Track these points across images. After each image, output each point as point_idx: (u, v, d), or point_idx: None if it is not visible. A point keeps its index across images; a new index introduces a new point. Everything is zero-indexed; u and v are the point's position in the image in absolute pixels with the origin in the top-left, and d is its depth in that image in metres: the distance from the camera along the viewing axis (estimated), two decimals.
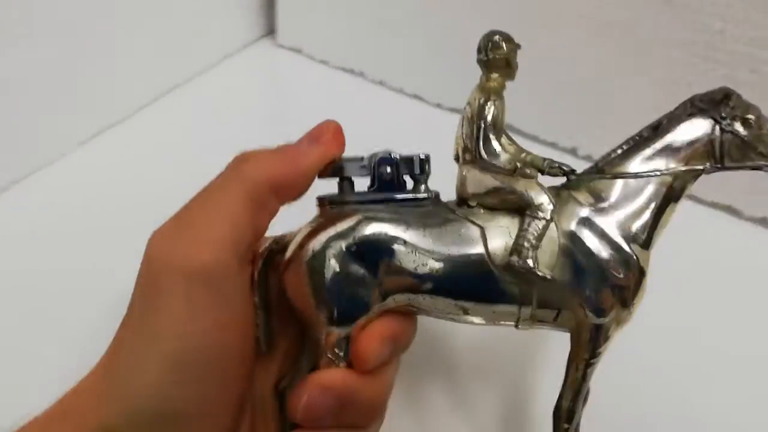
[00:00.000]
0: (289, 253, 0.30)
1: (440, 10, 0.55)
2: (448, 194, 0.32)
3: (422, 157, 0.31)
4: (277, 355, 0.32)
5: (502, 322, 0.30)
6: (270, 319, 0.30)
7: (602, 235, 0.29)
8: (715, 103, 0.30)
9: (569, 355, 0.31)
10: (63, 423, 0.26)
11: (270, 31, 0.67)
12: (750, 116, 0.30)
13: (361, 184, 0.32)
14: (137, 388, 0.26)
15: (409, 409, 0.39)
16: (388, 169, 0.31)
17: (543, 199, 0.29)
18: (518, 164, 0.30)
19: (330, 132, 0.31)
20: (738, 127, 0.30)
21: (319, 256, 0.29)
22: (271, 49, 0.66)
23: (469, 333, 0.35)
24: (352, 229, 0.29)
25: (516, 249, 0.29)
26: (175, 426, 0.26)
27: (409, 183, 0.31)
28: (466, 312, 0.30)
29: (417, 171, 0.31)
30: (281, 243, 0.31)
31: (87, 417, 0.26)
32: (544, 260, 0.29)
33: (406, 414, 0.39)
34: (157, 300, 0.26)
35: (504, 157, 0.30)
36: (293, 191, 0.30)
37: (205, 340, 0.26)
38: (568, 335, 0.31)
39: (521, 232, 0.29)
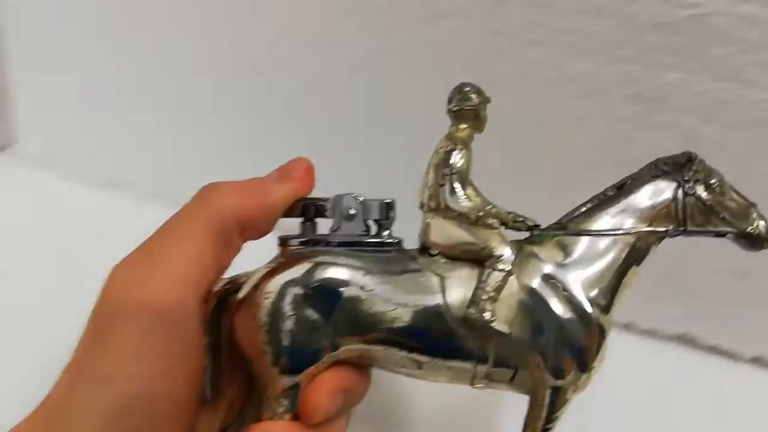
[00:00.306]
0: (242, 294, 0.29)
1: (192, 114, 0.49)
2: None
3: (387, 201, 0.30)
4: (222, 404, 0.30)
5: (457, 381, 0.30)
6: (218, 364, 0.29)
7: (564, 294, 0.29)
8: (679, 166, 0.30)
9: (525, 419, 0.30)
10: None
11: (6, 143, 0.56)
12: (713, 181, 0.30)
13: (324, 225, 0.31)
14: None
15: None
16: (352, 212, 0.30)
17: (504, 251, 0.29)
18: (480, 214, 0.29)
19: (302, 169, 0.30)
20: (701, 191, 0.30)
21: (273, 298, 0.28)
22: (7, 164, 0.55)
23: (430, 392, 0.34)
24: (310, 272, 0.28)
25: (473, 301, 0.28)
26: None
27: (373, 228, 0.31)
28: (420, 366, 0.29)
29: (380, 216, 0.30)
30: (236, 284, 0.30)
31: None
32: (503, 315, 0.28)
33: None
34: (110, 341, 0.25)
35: (468, 206, 0.29)
36: (259, 228, 0.29)
37: (154, 387, 0.25)
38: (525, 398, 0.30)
39: (480, 283, 0.28)
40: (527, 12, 0.40)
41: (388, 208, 0.30)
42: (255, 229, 0.29)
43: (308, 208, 0.30)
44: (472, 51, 0.42)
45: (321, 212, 0.30)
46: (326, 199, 0.31)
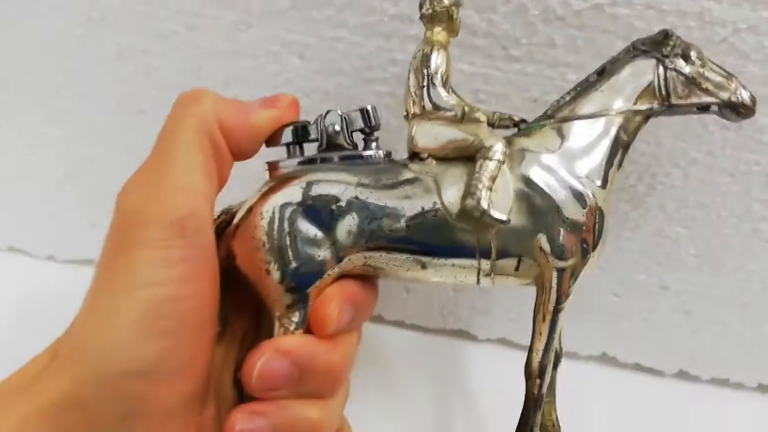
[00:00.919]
0: (238, 219, 0.28)
1: None
2: None
3: (368, 109, 0.30)
4: (235, 343, 0.31)
5: (462, 278, 0.29)
6: (222, 297, 0.28)
7: (557, 177, 0.29)
8: (657, 43, 0.31)
9: (535, 308, 0.29)
10: (20, 395, 0.25)
11: None
12: (692, 53, 0.30)
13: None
14: (107, 345, 0.25)
15: None
16: (336, 127, 0.30)
17: (494, 141, 0.29)
18: (467, 109, 0.30)
19: (286, 100, 0.31)
20: (681, 64, 0.30)
21: (270, 218, 0.28)
22: None
23: None
24: (303, 189, 0.28)
25: (469, 191, 0.28)
26: (143, 386, 0.25)
27: (360, 144, 0.31)
28: (424, 267, 0.28)
29: (364, 124, 0.30)
30: (230, 214, 0.29)
31: (47, 388, 0.25)
32: (500, 204, 0.28)
33: None
34: (134, 250, 0.25)
35: (452, 103, 0.30)
36: (241, 146, 0.29)
37: (180, 291, 0.26)
38: None
39: (474, 174, 0.28)
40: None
41: (368, 114, 0.30)
42: (237, 146, 0.29)
43: (294, 132, 0.30)
44: None
45: (306, 135, 0.30)
46: (307, 122, 0.30)
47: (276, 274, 0.27)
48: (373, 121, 0.30)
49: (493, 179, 0.28)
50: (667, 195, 0.41)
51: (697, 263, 0.43)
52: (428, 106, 0.30)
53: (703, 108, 0.31)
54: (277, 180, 0.29)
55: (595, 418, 0.43)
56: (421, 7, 0.31)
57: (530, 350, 0.30)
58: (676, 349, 0.46)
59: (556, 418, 0.34)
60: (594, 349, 0.46)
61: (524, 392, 0.31)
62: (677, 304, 0.44)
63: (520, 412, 0.31)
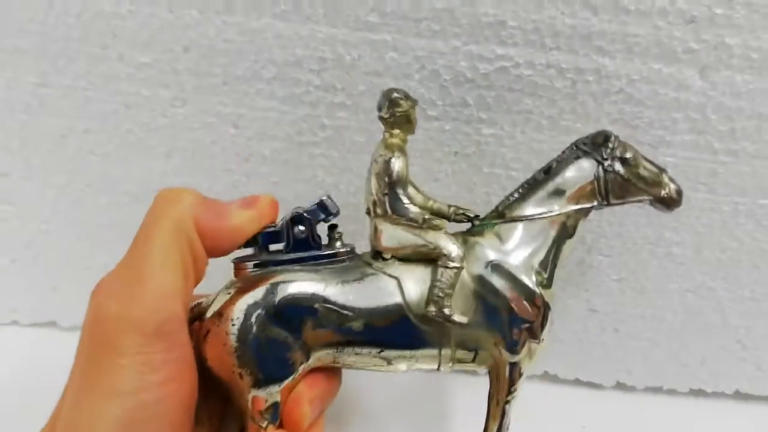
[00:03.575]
0: (207, 324, 0.29)
1: None
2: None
3: (323, 198, 0.31)
4: (203, 418, 0.31)
5: (425, 367, 0.31)
6: None
7: (508, 277, 0.31)
8: (597, 145, 0.33)
9: (489, 392, 0.32)
10: None
11: None
12: (628, 156, 0.33)
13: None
14: None
15: None
16: (302, 228, 0.31)
17: (452, 248, 0.31)
18: (426, 216, 0.31)
19: (265, 201, 0.31)
20: (618, 167, 0.33)
21: (240, 324, 0.28)
22: None
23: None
24: (271, 292, 0.29)
25: (432, 299, 0.30)
26: None
27: (324, 239, 0.32)
28: (389, 362, 0.30)
29: (325, 215, 0.31)
30: (197, 310, 0.30)
31: None
32: (459, 305, 0.30)
33: None
34: (115, 357, 0.25)
35: (414, 212, 0.31)
36: (218, 244, 0.29)
37: (163, 393, 0.26)
38: None
39: (435, 282, 0.30)
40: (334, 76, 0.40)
41: (326, 205, 0.31)
42: (213, 246, 0.29)
43: (263, 237, 0.31)
44: None
45: (276, 238, 0.31)
46: (273, 225, 0.31)
47: (248, 379, 0.28)
48: (332, 210, 0.31)
49: (453, 286, 0.31)
50: (585, 228, 0.44)
51: (620, 287, 0.46)
52: (390, 212, 0.31)
53: (638, 201, 0.33)
54: (245, 281, 0.30)
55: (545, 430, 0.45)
56: (379, 109, 0.32)
57: (485, 430, 0.33)
58: (611, 364, 0.49)
59: None
60: (536, 369, 0.50)
61: None
62: (606, 323, 0.48)
63: None
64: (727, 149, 0.41)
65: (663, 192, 0.33)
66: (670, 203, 0.33)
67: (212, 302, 0.30)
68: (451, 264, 0.31)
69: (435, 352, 0.31)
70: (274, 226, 0.31)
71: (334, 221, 0.32)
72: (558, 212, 0.33)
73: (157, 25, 0.40)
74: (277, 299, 0.29)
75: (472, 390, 0.34)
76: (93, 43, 0.41)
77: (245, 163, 0.44)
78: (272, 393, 0.29)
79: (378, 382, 0.45)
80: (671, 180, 0.34)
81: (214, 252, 0.30)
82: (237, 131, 0.43)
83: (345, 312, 0.30)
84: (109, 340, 0.26)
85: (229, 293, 0.30)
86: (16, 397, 0.46)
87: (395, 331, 0.30)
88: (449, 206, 0.33)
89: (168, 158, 0.44)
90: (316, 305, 0.29)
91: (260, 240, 0.31)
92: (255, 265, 0.31)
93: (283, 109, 0.42)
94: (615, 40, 0.38)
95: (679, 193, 0.33)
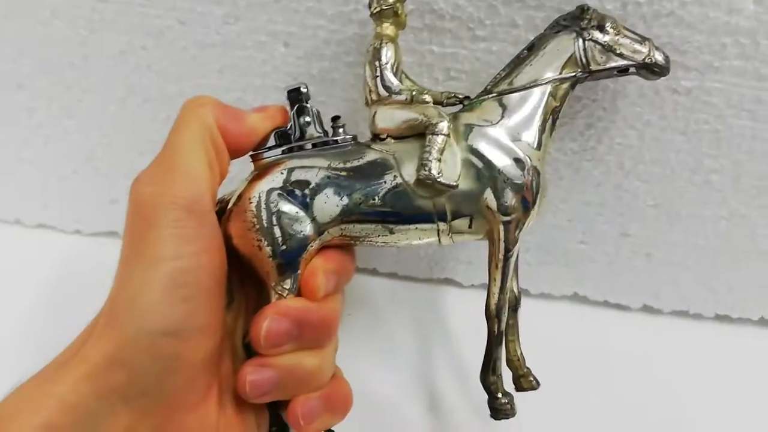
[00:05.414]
0: (231, 205, 0.33)
1: None
2: None
3: (333, 117, 0.35)
4: (240, 313, 0.35)
5: (426, 239, 0.33)
6: (227, 275, 0.32)
7: (497, 144, 0.33)
8: (575, 18, 0.35)
9: (488, 258, 0.34)
10: (67, 366, 0.29)
11: None
12: (607, 24, 0.34)
13: None
14: (143, 308, 0.28)
15: None
16: (308, 119, 0.34)
17: (438, 119, 0.33)
18: (413, 93, 0.34)
19: (276, 107, 0.35)
20: (597, 34, 0.34)
21: (258, 202, 0.32)
22: None
23: None
24: (283, 174, 0.32)
25: (422, 164, 0.32)
26: (173, 344, 0.29)
27: (330, 131, 0.35)
28: (392, 232, 0.33)
29: (332, 124, 0.35)
30: (224, 202, 0.33)
31: (91, 353, 0.29)
32: (449, 172, 0.33)
33: None
34: (154, 231, 0.29)
35: (402, 88, 0.35)
36: (239, 142, 0.33)
37: (196, 261, 0.30)
38: None
39: (424, 149, 0.33)
40: None
41: (335, 119, 0.35)
42: (234, 145, 0.33)
43: (276, 135, 0.34)
44: None
45: (287, 137, 0.34)
46: (287, 127, 0.34)
47: (267, 250, 0.32)
48: (339, 122, 0.35)
49: (441, 151, 0.33)
50: (625, 154, 0.45)
51: (655, 213, 0.48)
52: (382, 92, 0.34)
53: (623, 71, 0.34)
54: (261, 168, 0.34)
55: (571, 351, 0.48)
56: (369, 6, 0.35)
57: (488, 294, 0.35)
58: (639, 287, 0.51)
59: (521, 353, 0.39)
60: (566, 290, 0.52)
61: (486, 331, 0.36)
62: (638, 248, 0.49)
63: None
64: None
65: (647, 58, 0.34)
66: (656, 69, 0.34)
67: (235, 191, 0.33)
68: (438, 131, 0.33)
69: (433, 224, 0.33)
70: (285, 128, 0.34)
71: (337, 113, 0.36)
72: (542, 82, 0.34)
73: None
74: (288, 179, 0.32)
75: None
76: None
77: (294, 81, 0.45)
78: (290, 263, 0.32)
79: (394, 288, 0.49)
80: (656, 48, 0.34)
81: (235, 149, 0.33)
82: (287, 50, 0.44)
83: (348, 187, 0.32)
84: (148, 217, 0.29)
85: (247, 180, 0.33)
86: (77, 298, 0.50)
87: (394, 202, 0.33)
88: (442, 92, 0.36)
89: (221, 75, 0.46)
90: (322, 183, 0.32)
91: (274, 138, 0.34)
92: (268, 155, 0.34)
93: (332, 28, 0.43)
94: None
95: (667, 59, 0.34)
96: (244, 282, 0.35)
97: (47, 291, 0.51)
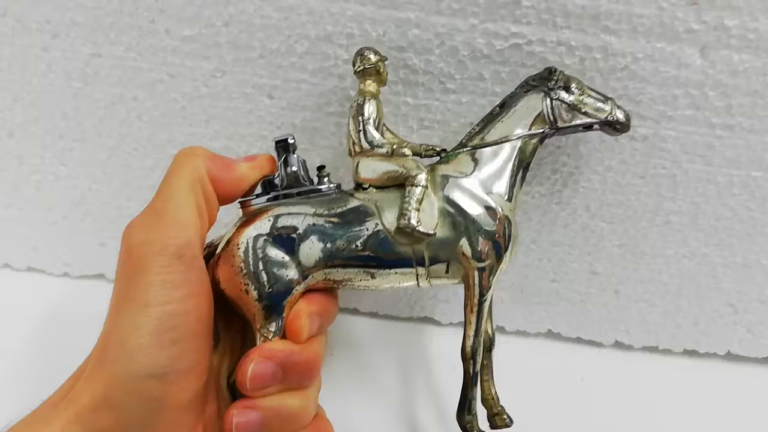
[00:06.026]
0: (219, 250, 0.34)
1: None
2: None
3: (318, 166, 0.37)
4: (226, 355, 0.36)
5: (405, 283, 0.35)
6: (214, 317, 0.33)
7: (471, 195, 0.35)
8: (543, 79, 0.37)
9: (464, 302, 0.36)
10: (57, 407, 0.30)
11: None
12: (572, 85, 0.37)
13: None
14: (132, 350, 0.29)
15: None
16: (294, 169, 0.36)
17: (417, 171, 0.36)
18: (394, 147, 0.37)
19: (264, 157, 0.37)
20: (563, 94, 0.37)
21: (245, 247, 0.33)
22: None
23: None
24: (270, 220, 0.34)
25: (402, 213, 0.34)
26: (161, 386, 0.30)
27: (315, 180, 0.37)
28: (373, 276, 0.35)
29: (317, 173, 0.37)
30: (213, 246, 0.35)
31: (81, 395, 0.29)
32: (427, 222, 0.35)
33: None
34: (143, 276, 0.30)
35: (383, 142, 0.37)
36: (227, 190, 0.35)
37: (184, 306, 0.31)
38: None
39: (404, 199, 0.35)
40: None
41: (320, 168, 0.37)
42: (223, 193, 0.35)
43: (263, 184, 0.36)
44: None
45: (273, 186, 0.36)
46: (273, 176, 0.36)
47: (254, 293, 0.33)
48: (324, 171, 0.37)
49: (420, 201, 0.35)
50: (589, 197, 0.48)
51: (621, 252, 0.50)
52: (365, 145, 0.37)
53: (587, 127, 0.37)
54: (249, 215, 0.35)
55: (547, 386, 0.50)
56: (353, 64, 0.38)
57: (463, 337, 0.37)
58: (610, 324, 0.53)
59: (495, 392, 0.40)
60: (541, 327, 0.54)
61: (462, 373, 0.37)
62: (607, 285, 0.52)
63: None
64: (724, 124, 0.44)
65: (609, 116, 0.36)
66: (617, 126, 0.37)
67: (223, 236, 0.35)
68: (417, 182, 0.35)
69: (412, 269, 0.35)
70: (272, 176, 0.36)
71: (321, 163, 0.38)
72: (513, 137, 0.36)
73: (201, 1, 0.44)
74: (275, 226, 0.34)
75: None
76: (142, 17, 0.45)
77: (278, 130, 0.48)
78: (276, 307, 0.33)
79: (375, 327, 0.51)
80: (617, 107, 0.37)
81: (225, 197, 0.35)
82: (271, 101, 0.47)
83: (332, 234, 0.34)
84: (138, 262, 0.31)
85: (236, 226, 0.35)
86: (66, 340, 0.51)
87: (376, 248, 0.34)
88: (420, 145, 0.38)
89: (207, 125, 0.48)
90: (307, 230, 0.34)
91: (261, 187, 0.36)
92: (256, 202, 0.36)
93: (314, 81, 0.46)
94: (621, 20, 0.41)
95: (627, 117, 0.37)
96: (230, 323, 0.36)
97: (37, 333, 0.52)
